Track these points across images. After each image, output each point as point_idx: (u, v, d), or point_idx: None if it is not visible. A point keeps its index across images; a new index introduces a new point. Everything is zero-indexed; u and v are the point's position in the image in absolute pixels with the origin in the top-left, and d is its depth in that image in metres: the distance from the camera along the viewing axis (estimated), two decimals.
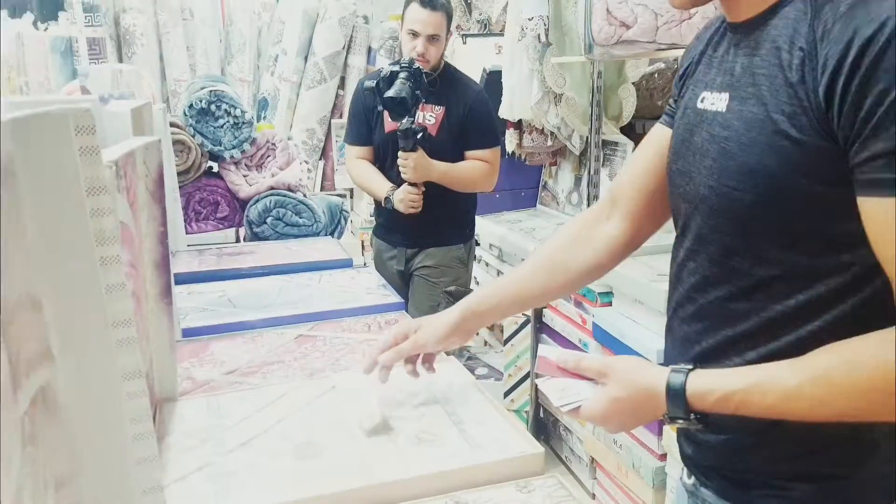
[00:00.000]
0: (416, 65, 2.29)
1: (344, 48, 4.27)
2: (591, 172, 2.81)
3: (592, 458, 2.37)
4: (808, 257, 0.77)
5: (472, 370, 2.49)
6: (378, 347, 1.15)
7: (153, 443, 0.74)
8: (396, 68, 2.27)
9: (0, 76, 3.04)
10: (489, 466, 1.00)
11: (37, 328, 0.47)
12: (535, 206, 3.55)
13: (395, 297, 1.77)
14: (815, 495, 0.82)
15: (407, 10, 2.44)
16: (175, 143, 2.32)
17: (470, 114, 2.45)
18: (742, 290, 0.82)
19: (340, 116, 4.30)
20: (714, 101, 0.85)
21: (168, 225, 1.12)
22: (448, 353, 1.45)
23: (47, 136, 0.54)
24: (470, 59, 3.32)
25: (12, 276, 0.44)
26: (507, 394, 2.78)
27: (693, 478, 0.95)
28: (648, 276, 1.98)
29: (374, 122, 2.50)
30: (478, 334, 3.14)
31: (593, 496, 2.39)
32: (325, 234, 2.51)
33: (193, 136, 2.40)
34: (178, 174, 2.32)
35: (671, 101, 1.03)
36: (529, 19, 2.80)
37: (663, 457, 1.96)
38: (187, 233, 2.40)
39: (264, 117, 4.24)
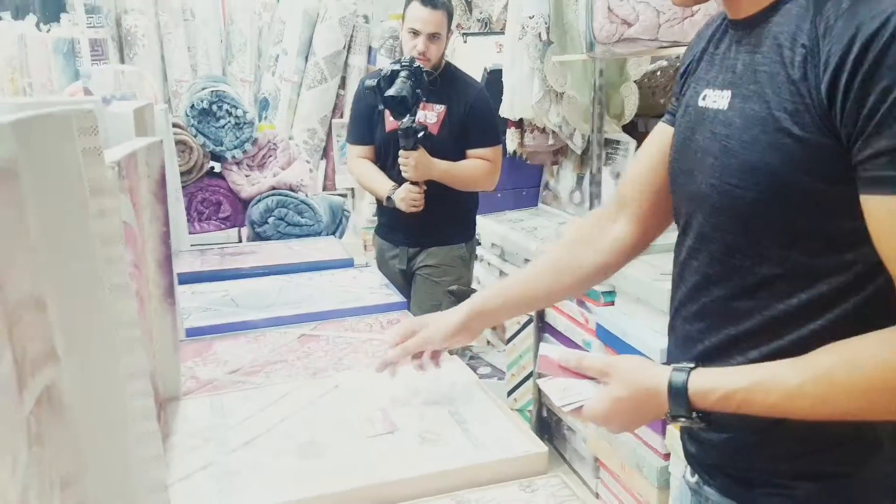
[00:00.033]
0: (417, 63, 2.29)
1: (344, 48, 4.27)
2: (593, 171, 2.80)
3: (596, 458, 2.36)
4: (810, 256, 0.77)
5: (474, 369, 2.49)
6: (385, 345, 1.15)
7: (157, 442, 0.74)
8: (397, 67, 2.27)
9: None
10: (492, 466, 1.00)
11: (41, 328, 0.48)
12: (536, 205, 3.55)
13: (397, 297, 1.77)
14: (818, 494, 0.82)
15: (408, 8, 2.44)
16: (177, 143, 2.32)
17: (471, 112, 2.45)
18: (744, 288, 0.82)
19: (341, 116, 4.31)
20: (716, 99, 0.84)
21: (170, 225, 1.13)
22: (451, 353, 1.45)
23: (50, 137, 0.54)
24: (470, 58, 3.32)
25: (17, 276, 0.44)
26: (510, 393, 2.78)
27: (696, 476, 0.95)
28: (651, 276, 1.97)
29: (375, 121, 2.50)
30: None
31: (597, 495, 2.39)
32: (327, 234, 2.52)
33: (195, 137, 2.41)
34: (181, 174, 2.33)
35: (673, 99, 1.02)
36: (530, 17, 2.80)
37: (667, 456, 1.96)
38: (190, 233, 2.40)
39: (265, 117, 4.24)
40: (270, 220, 2.45)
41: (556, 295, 1.17)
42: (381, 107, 2.33)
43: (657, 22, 2.26)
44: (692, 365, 0.83)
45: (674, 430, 1.80)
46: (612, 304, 2.21)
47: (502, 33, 3.19)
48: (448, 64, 2.55)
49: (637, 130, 3.20)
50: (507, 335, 2.77)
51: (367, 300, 1.73)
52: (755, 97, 0.78)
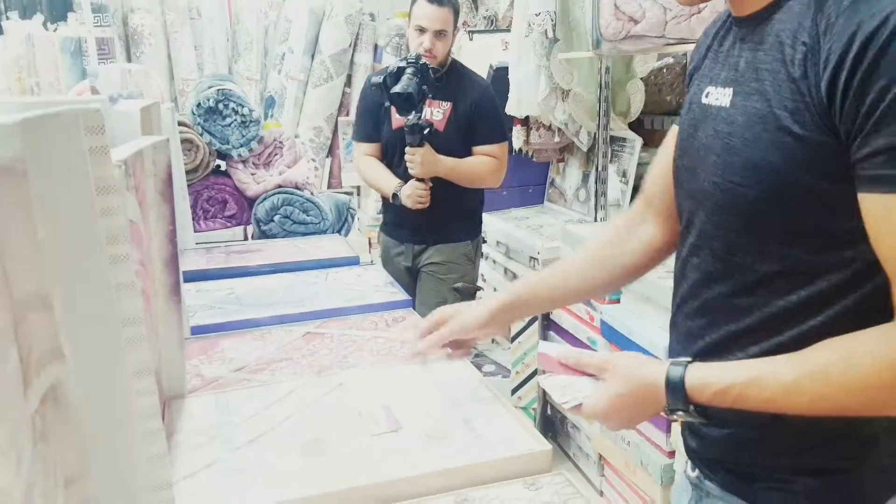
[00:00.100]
0: (423, 60, 2.29)
1: (350, 46, 4.27)
2: (599, 169, 2.80)
3: (600, 455, 2.36)
4: (810, 253, 0.77)
5: (479, 367, 2.49)
6: (416, 334, 1.15)
7: (162, 440, 0.74)
8: (403, 64, 2.27)
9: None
10: (497, 464, 1.00)
11: (47, 327, 0.48)
12: (542, 202, 3.54)
13: (402, 295, 1.77)
14: (818, 489, 0.82)
15: (414, 6, 2.44)
16: (183, 141, 2.33)
17: (477, 109, 2.45)
18: (745, 285, 0.82)
19: (347, 114, 4.31)
20: (718, 97, 0.84)
21: (176, 223, 1.13)
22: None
23: (57, 136, 0.54)
24: (476, 56, 3.32)
25: (23, 275, 0.44)
26: (514, 391, 2.78)
27: (697, 471, 0.96)
28: (656, 273, 1.95)
29: (381, 118, 2.51)
30: None
31: (601, 493, 2.39)
32: (333, 232, 2.52)
33: (201, 135, 2.41)
34: (187, 173, 2.34)
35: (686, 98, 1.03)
36: (536, 15, 2.80)
37: (671, 454, 1.96)
38: (195, 231, 2.41)
39: (271, 115, 4.24)
40: (276, 218, 2.45)
41: (585, 293, 1.18)
42: (387, 104, 2.34)
43: (664, 19, 2.25)
44: (689, 359, 0.84)
45: (678, 428, 1.80)
46: (618, 301, 2.21)
47: (508, 31, 3.19)
48: (454, 61, 2.55)
49: (643, 128, 3.20)
50: (512, 333, 2.77)
51: (372, 298, 1.73)
52: (757, 95, 0.78)
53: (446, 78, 2.45)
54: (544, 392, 2.72)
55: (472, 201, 2.59)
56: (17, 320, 0.42)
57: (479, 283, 2.78)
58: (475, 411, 1.15)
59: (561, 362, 0.95)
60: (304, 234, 2.46)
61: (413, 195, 2.38)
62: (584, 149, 3.10)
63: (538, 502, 0.94)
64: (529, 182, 3.53)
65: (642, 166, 2.97)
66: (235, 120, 2.45)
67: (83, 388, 0.55)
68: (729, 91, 0.83)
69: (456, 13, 2.48)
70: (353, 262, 2.08)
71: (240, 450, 1.05)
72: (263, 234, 2.46)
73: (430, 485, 0.96)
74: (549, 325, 2.64)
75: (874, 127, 0.67)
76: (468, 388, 1.23)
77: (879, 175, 0.68)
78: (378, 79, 2.33)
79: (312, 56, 4.24)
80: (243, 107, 2.46)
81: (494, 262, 3.26)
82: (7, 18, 4.22)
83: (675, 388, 0.82)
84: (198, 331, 1.54)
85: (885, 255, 0.71)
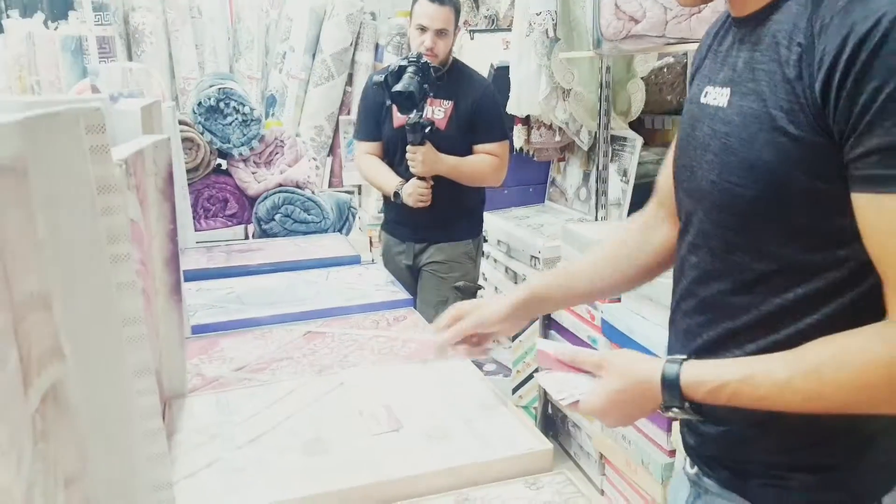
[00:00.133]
0: (424, 59, 2.29)
1: (351, 45, 4.27)
2: (600, 168, 2.80)
3: (601, 454, 2.36)
4: (806, 252, 0.78)
5: (480, 366, 2.49)
6: (434, 329, 1.13)
7: (163, 439, 0.74)
8: (405, 63, 2.27)
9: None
10: (497, 463, 1.00)
11: (47, 326, 0.48)
12: (543, 202, 3.54)
13: (403, 294, 1.77)
14: (815, 486, 0.83)
15: (415, 5, 2.44)
16: (184, 140, 2.33)
17: (478, 108, 2.45)
18: (742, 283, 0.83)
19: (348, 113, 4.31)
20: (716, 96, 0.85)
21: (177, 222, 1.13)
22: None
23: (58, 135, 0.54)
24: (477, 55, 3.32)
25: (23, 274, 0.44)
26: (515, 390, 2.78)
27: (696, 468, 0.96)
28: None
29: (383, 117, 2.51)
30: None
31: (602, 492, 2.39)
32: (334, 231, 2.52)
33: (202, 134, 2.41)
34: (187, 171, 2.33)
35: None
36: (537, 14, 2.80)
37: (672, 453, 1.96)
38: (196, 230, 2.41)
39: (272, 114, 4.24)
40: (277, 217, 2.45)
41: (600, 292, 1.17)
42: (388, 102, 2.34)
43: (664, 18, 2.25)
44: (684, 357, 0.85)
45: (678, 427, 1.80)
46: (619, 300, 2.20)
47: (509, 30, 3.19)
48: (455, 60, 2.55)
49: (644, 127, 3.20)
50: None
51: (373, 297, 1.73)
52: (753, 95, 0.78)
53: (447, 77, 2.45)
54: (545, 391, 2.72)
55: (473, 200, 2.59)
56: (18, 320, 0.42)
57: (480, 281, 2.78)
58: (476, 410, 1.15)
59: (559, 359, 0.96)
60: (305, 233, 2.46)
61: (414, 194, 2.38)
62: (585, 148, 3.10)
63: (539, 501, 0.94)
64: (530, 181, 3.53)
65: (643, 165, 2.97)
66: (236, 119, 2.45)
67: (83, 387, 0.55)
68: (726, 91, 0.83)
69: (457, 12, 2.48)
70: (354, 261, 2.08)
71: (240, 449, 1.05)
72: (264, 233, 2.46)
73: (431, 484, 0.96)
74: (549, 324, 2.64)
75: (867, 127, 0.68)
76: (469, 388, 1.23)
77: (871, 175, 0.69)
78: (379, 77, 2.33)
79: (313, 55, 4.24)
80: (244, 105, 2.45)
81: (495, 261, 3.26)
82: (8, 17, 4.23)
83: (671, 386, 0.83)
84: (198, 330, 1.54)
85: (877, 254, 0.72)
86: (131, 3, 3.96)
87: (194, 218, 2.42)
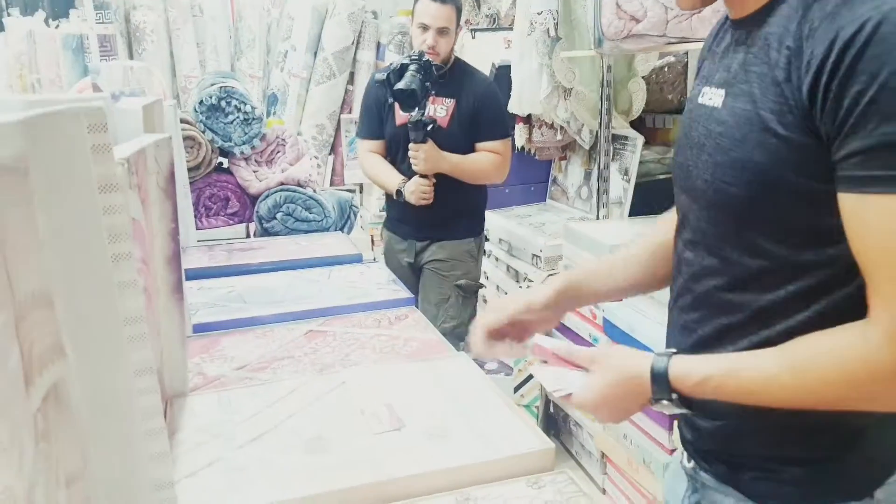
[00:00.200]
0: (426, 57, 2.29)
1: (353, 44, 4.26)
2: (601, 167, 2.80)
3: (603, 454, 2.36)
4: (797, 251, 0.79)
5: (481, 365, 2.49)
6: (480, 323, 1.10)
7: (164, 438, 0.74)
8: (407, 61, 2.28)
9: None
10: (499, 462, 1.00)
11: (49, 325, 0.48)
12: (544, 200, 3.54)
13: (404, 293, 1.77)
14: (805, 479, 0.85)
15: (417, 3, 2.45)
16: (185, 139, 2.33)
17: (480, 105, 2.45)
18: (736, 280, 0.85)
19: (350, 112, 4.31)
20: (712, 97, 0.87)
21: (178, 221, 1.13)
22: (458, 349, 1.45)
23: (60, 134, 0.54)
24: (479, 54, 3.32)
25: (25, 273, 0.44)
26: (517, 389, 2.78)
27: (693, 462, 0.98)
28: None
29: (385, 115, 2.51)
30: None
31: (604, 491, 2.39)
32: (335, 230, 2.52)
33: (204, 133, 2.41)
34: (189, 170, 2.33)
35: None
36: (538, 13, 2.79)
37: (674, 451, 1.96)
38: (197, 228, 2.41)
39: (274, 113, 4.24)
40: (278, 215, 2.45)
41: (653, 284, 1.16)
42: (390, 100, 2.34)
43: (665, 18, 2.25)
44: (673, 351, 0.87)
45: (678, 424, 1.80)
46: (620, 299, 2.20)
47: (510, 29, 3.19)
48: (457, 58, 2.56)
49: (645, 126, 3.19)
50: None
51: (374, 296, 1.73)
52: (745, 96, 0.80)
53: (449, 75, 2.46)
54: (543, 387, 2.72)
55: (475, 198, 2.59)
56: (19, 318, 0.42)
57: (482, 280, 2.77)
58: (477, 409, 1.15)
59: (554, 353, 0.98)
60: (307, 232, 2.46)
61: (416, 191, 2.38)
62: (586, 147, 3.10)
63: (541, 501, 0.94)
64: (531, 180, 3.53)
65: (644, 164, 2.97)
66: (238, 117, 2.45)
67: (85, 386, 0.55)
68: (721, 92, 0.85)
69: (458, 11, 2.48)
70: (356, 259, 2.08)
71: (242, 448, 1.05)
72: (266, 232, 2.46)
73: (432, 483, 0.96)
74: None
75: (851, 129, 0.70)
76: (470, 387, 1.23)
77: (854, 176, 0.71)
78: (382, 76, 2.33)
79: (315, 53, 4.23)
80: (246, 104, 2.45)
81: (497, 259, 3.26)
82: (8, 15, 4.23)
83: (660, 379, 0.85)
84: (200, 329, 1.54)
85: (859, 252, 0.73)
86: (132, 1, 3.96)
87: (195, 216, 2.42)
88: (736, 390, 0.80)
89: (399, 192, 2.43)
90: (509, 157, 2.54)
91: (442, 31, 2.40)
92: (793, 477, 0.85)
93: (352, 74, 4.35)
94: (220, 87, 2.44)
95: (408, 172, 2.43)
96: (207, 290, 1.80)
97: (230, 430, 1.10)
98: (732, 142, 0.81)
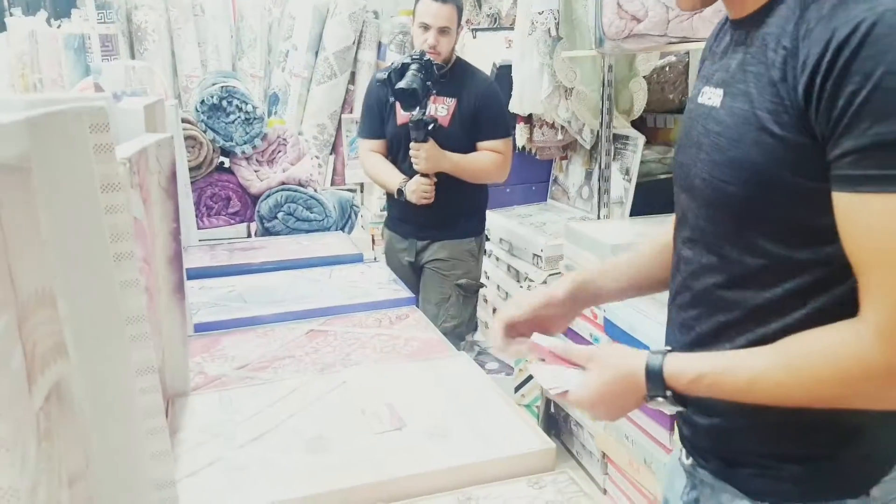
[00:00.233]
0: (428, 57, 2.29)
1: (354, 43, 4.26)
2: (602, 167, 2.80)
3: (604, 454, 2.36)
4: (794, 249, 0.80)
5: (482, 365, 2.50)
6: (498, 319, 1.09)
7: (166, 438, 0.74)
8: (408, 60, 2.28)
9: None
10: (500, 462, 1.00)
11: (51, 324, 0.48)
12: (545, 200, 3.54)
13: (405, 292, 1.77)
14: (802, 476, 0.85)
15: (418, 3, 2.45)
16: (187, 138, 2.33)
17: (481, 105, 2.45)
18: (733, 278, 0.85)
19: (351, 111, 4.31)
20: (711, 97, 0.87)
21: (180, 220, 1.13)
22: (458, 349, 1.45)
23: (62, 134, 0.54)
24: (480, 54, 3.31)
25: (27, 272, 0.44)
26: (517, 388, 2.78)
27: (691, 459, 0.98)
28: None
29: (386, 114, 2.51)
30: (487, 327, 3.14)
31: (605, 491, 2.39)
32: (336, 229, 2.52)
33: (205, 132, 2.41)
34: (190, 170, 2.34)
35: None
36: (540, 13, 2.79)
37: None
38: (199, 228, 2.41)
39: (275, 113, 4.24)
40: (279, 215, 2.45)
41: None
42: (392, 100, 2.34)
43: (666, 17, 2.25)
44: (668, 349, 0.89)
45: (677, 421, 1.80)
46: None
47: (511, 29, 3.19)
48: (458, 58, 2.56)
49: (646, 126, 3.19)
50: None
51: (375, 295, 1.73)
52: (742, 96, 0.81)
53: (450, 74, 2.46)
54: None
55: (476, 197, 2.59)
56: (22, 318, 0.42)
57: (483, 280, 2.78)
58: (478, 409, 1.15)
59: (552, 351, 0.98)
60: (308, 232, 2.46)
61: (417, 191, 2.38)
62: (587, 146, 3.10)
63: (542, 501, 0.95)
64: (532, 179, 3.53)
65: (645, 164, 2.97)
66: (239, 117, 2.45)
67: (87, 385, 0.55)
68: (720, 92, 0.85)
69: (459, 10, 2.48)
70: (357, 259, 2.08)
71: (243, 447, 1.05)
72: (267, 232, 2.46)
73: (433, 483, 0.96)
74: None
75: (845, 129, 0.71)
76: (471, 386, 1.23)
77: (848, 175, 0.72)
78: (383, 75, 2.34)
79: (316, 53, 4.23)
80: (247, 104, 2.45)
81: (497, 259, 3.26)
82: (10, 15, 4.23)
83: (654, 376, 0.85)
84: (201, 328, 1.54)
85: (852, 251, 0.74)
86: (134, 1, 3.96)
87: (197, 216, 2.43)
88: (730, 388, 0.80)
89: (400, 192, 2.43)
90: (510, 156, 2.55)
91: (443, 31, 2.40)
92: (789, 474, 0.86)
93: (353, 74, 4.35)
94: (222, 87, 2.44)
95: (409, 172, 2.43)
96: (209, 290, 1.80)
97: (231, 430, 1.10)
98: (730, 141, 0.81)
